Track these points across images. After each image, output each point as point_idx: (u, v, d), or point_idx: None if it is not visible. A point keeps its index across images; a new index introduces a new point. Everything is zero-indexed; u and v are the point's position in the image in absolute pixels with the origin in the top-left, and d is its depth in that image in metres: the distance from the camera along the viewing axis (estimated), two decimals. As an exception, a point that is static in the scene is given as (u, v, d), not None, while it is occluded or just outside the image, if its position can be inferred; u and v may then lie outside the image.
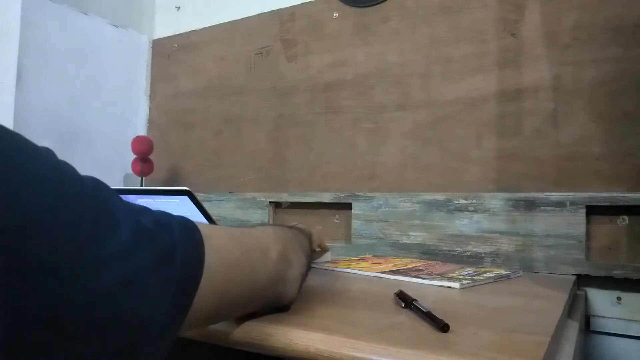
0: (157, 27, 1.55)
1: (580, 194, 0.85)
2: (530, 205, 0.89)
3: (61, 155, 0.28)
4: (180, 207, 0.81)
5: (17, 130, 0.25)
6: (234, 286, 0.37)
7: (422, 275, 0.70)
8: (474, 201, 0.95)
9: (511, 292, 0.64)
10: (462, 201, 0.96)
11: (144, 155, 1.29)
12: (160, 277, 0.29)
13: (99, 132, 1.38)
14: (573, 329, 0.58)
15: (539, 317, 0.50)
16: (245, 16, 1.34)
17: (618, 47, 0.86)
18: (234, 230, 0.42)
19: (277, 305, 0.45)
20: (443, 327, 0.40)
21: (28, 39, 1.20)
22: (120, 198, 0.30)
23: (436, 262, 0.89)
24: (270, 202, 1.21)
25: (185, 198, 0.81)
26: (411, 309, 0.47)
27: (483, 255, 0.93)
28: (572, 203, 0.85)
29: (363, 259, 0.92)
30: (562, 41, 0.91)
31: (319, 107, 1.19)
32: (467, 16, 1.01)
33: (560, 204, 0.86)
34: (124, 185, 1.43)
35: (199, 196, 0.93)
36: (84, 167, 0.30)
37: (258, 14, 1.32)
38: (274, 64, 1.27)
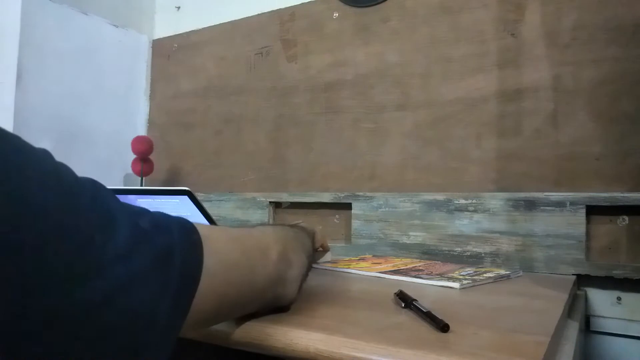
0: (157, 27, 1.55)
1: (580, 194, 0.85)
2: (530, 205, 0.89)
3: (61, 155, 0.28)
4: (180, 207, 0.81)
5: (17, 130, 0.25)
6: (233, 287, 0.37)
7: (422, 275, 0.70)
8: (474, 201, 0.95)
9: (511, 292, 0.64)
10: (462, 201, 0.96)
11: (144, 155, 1.29)
12: (159, 279, 0.29)
13: (99, 132, 1.38)
14: (573, 329, 0.58)
15: (539, 317, 0.50)
16: (245, 16, 1.34)
17: (618, 47, 0.86)
18: (234, 231, 0.42)
19: (277, 305, 0.45)
20: (443, 327, 0.40)
21: (28, 39, 1.20)
22: (118, 199, 0.30)
23: (436, 262, 0.89)
24: (270, 202, 1.21)
25: (185, 198, 0.81)
26: (411, 309, 0.47)
27: (483, 255, 0.93)
28: (572, 203, 0.85)
29: (363, 259, 0.92)
30: (562, 41, 0.91)
31: (319, 107, 1.19)
32: (467, 16, 1.01)
33: (560, 204, 0.86)
34: (124, 185, 1.43)
35: (199, 196, 0.93)
36: (84, 167, 0.30)
37: (258, 14, 1.32)
38: (274, 64, 1.27)
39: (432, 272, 0.74)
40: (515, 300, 0.59)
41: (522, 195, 0.90)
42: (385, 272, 0.74)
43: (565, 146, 0.89)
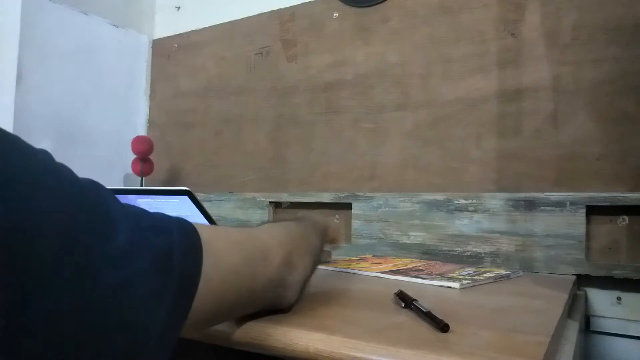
0: (157, 27, 1.55)
1: (580, 194, 0.85)
2: (530, 205, 0.89)
3: (61, 155, 0.28)
4: (180, 207, 0.81)
5: (17, 130, 0.25)
6: (232, 292, 0.37)
7: (422, 275, 0.70)
8: (474, 201, 0.95)
9: (511, 292, 0.64)
10: (462, 201, 0.96)
11: (144, 155, 1.29)
12: (157, 283, 0.29)
13: (99, 132, 1.38)
14: (573, 329, 0.58)
15: (539, 317, 0.50)
16: (245, 16, 1.34)
17: (618, 47, 0.86)
18: (237, 233, 0.41)
19: (276, 308, 0.45)
20: (443, 327, 0.40)
21: (28, 39, 1.20)
22: (118, 201, 0.30)
23: (436, 262, 0.89)
24: (270, 202, 1.21)
25: (185, 198, 0.81)
26: (411, 309, 0.47)
27: (483, 255, 0.93)
28: (572, 203, 0.85)
29: (363, 259, 0.92)
30: (562, 41, 0.91)
31: (319, 107, 1.19)
32: (467, 16, 1.01)
33: (560, 204, 0.86)
34: (124, 185, 1.43)
35: (199, 196, 0.93)
36: (84, 167, 0.30)
37: (258, 14, 1.32)
38: (274, 64, 1.27)
39: (432, 272, 0.74)
40: (515, 300, 0.59)
41: (522, 195, 0.90)
42: (385, 272, 0.74)
43: (565, 146, 0.89)
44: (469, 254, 0.94)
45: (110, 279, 0.26)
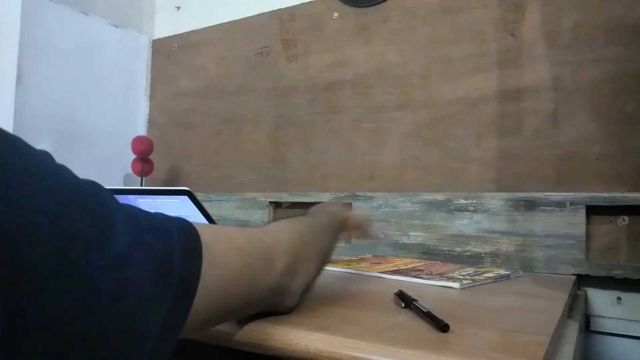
0: (157, 27, 1.55)
1: (580, 194, 0.85)
2: (530, 205, 0.89)
3: (61, 155, 0.28)
4: (180, 207, 0.81)
5: (17, 130, 0.25)
6: (231, 297, 0.36)
7: (422, 275, 0.70)
8: (474, 201, 0.95)
9: (511, 292, 0.64)
10: (462, 201, 0.96)
11: (144, 155, 1.29)
12: (156, 287, 0.29)
13: (99, 132, 1.38)
14: (573, 329, 0.58)
15: (539, 317, 0.50)
16: (245, 16, 1.34)
17: (618, 47, 0.86)
18: (240, 236, 0.40)
19: (274, 311, 0.44)
20: (443, 327, 0.40)
21: (28, 39, 1.20)
22: (118, 202, 0.29)
23: (436, 262, 0.89)
24: (270, 202, 1.21)
25: (185, 198, 0.81)
26: (411, 309, 0.47)
27: (483, 255, 0.93)
28: (572, 203, 0.85)
29: (363, 259, 0.92)
30: (562, 41, 0.91)
31: (319, 107, 1.19)
32: (467, 16, 1.01)
33: (560, 204, 0.86)
34: (124, 185, 1.43)
35: (199, 196, 0.93)
36: (84, 167, 0.30)
37: (258, 14, 1.32)
38: (274, 64, 1.27)
39: (432, 272, 0.74)
40: (515, 300, 0.59)
41: (522, 195, 0.90)
42: (385, 272, 0.74)
43: (565, 146, 0.89)
44: (469, 254, 0.94)
45: (109, 282, 0.26)
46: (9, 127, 1.12)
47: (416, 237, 1.00)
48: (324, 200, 1.12)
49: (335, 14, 1.18)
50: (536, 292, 0.65)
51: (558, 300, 0.58)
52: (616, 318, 0.83)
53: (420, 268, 0.79)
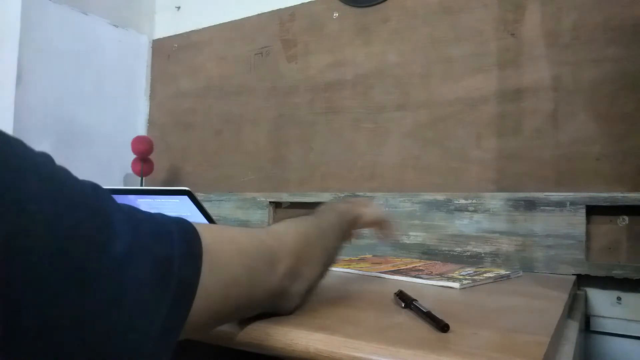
0: (157, 27, 1.55)
1: (580, 194, 0.85)
2: (530, 205, 0.89)
3: (61, 155, 0.28)
4: (180, 207, 0.81)
5: (17, 130, 0.25)
6: (231, 300, 0.36)
7: (422, 275, 0.70)
8: (474, 201, 0.95)
9: (511, 292, 0.64)
10: (462, 201, 0.96)
11: (144, 155, 1.29)
12: (155, 290, 0.29)
13: (99, 132, 1.38)
14: (573, 329, 0.58)
15: (539, 317, 0.50)
16: (245, 16, 1.34)
17: (618, 47, 0.86)
18: (243, 238, 0.39)
19: (274, 313, 0.44)
20: (443, 327, 0.40)
21: (28, 39, 1.20)
22: (118, 204, 0.29)
23: (436, 262, 0.89)
24: (270, 202, 1.21)
25: (185, 198, 0.81)
26: (411, 309, 0.47)
27: (483, 255, 0.93)
28: (572, 203, 0.85)
29: (363, 259, 0.92)
30: (562, 41, 0.91)
31: (319, 107, 1.19)
32: (467, 16, 1.01)
33: (560, 204, 0.86)
34: (124, 185, 1.43)
35: (199, 196, 0.93)
36: (84, 167, 0.30)
37: (258, 14, 1.32)
38: (274, 64, 1.27)
39: (432, 272, 0.74)
40: (515, 300, 0.59)
41: (522, 195, 0.90)
42: (385, 272, 0.74)
43: (565, 146, 0.89)
44: (469, 254, 0.94)
45: (108, 285, 0.26)
46: (9, 127, 1.12)
47: (416, 237, 1.00)
48: (324, 200, 1.12)
49: (335, 14, 1.18)
50: (536, 292, 0.65)
51: (558, 300, 0.58)
52: (616, 318, 0.83)
53: (420, 268, 0.79)
